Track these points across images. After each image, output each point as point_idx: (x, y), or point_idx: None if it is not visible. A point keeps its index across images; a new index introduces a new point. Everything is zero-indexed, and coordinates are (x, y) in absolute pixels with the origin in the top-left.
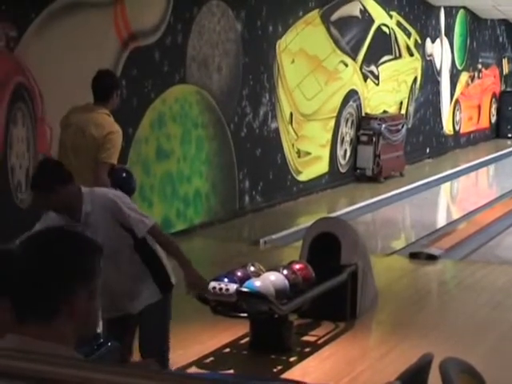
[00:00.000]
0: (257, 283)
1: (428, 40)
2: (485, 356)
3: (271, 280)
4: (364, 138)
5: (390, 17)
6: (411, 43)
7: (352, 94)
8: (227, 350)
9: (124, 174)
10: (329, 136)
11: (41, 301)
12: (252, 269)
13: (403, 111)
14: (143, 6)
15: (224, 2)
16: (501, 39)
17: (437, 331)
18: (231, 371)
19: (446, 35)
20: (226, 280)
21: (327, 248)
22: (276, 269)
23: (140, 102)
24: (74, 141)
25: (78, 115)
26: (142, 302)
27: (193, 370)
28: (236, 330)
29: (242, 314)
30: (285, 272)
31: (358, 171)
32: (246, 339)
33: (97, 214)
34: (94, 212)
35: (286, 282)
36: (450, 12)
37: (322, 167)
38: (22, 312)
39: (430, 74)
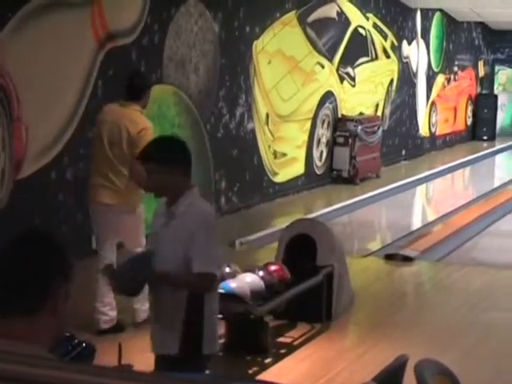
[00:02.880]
0: (232, 284)
1: (404, 42)
2: (460, 357)
3: (247, 281)
4: (340, 140)
5: (367, 19)
6: (388, 45)
7: (328, 96)
8: None
9: None
10: (305, 137)
11: (26, 296)
12: (228, 270)
13: (379, 113)
14: (120, 6)
15: (201, 3)
16: (477, 42)
17: (412, 333)
18: (206, 372)
19: (422, 37)
20: None
21: (303, 249)
22: (252, 270)
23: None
24: (109, 136)
25: (112, 112)
26: None
27: None
28: None
29: (218, 316)
30: (260, 273)
31: (335, 173)
32: (222, 340)
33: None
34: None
35: (262, 283)
36: (427, 14)
37: (298, 168)
38: (4, 308)
39: (406, 76)
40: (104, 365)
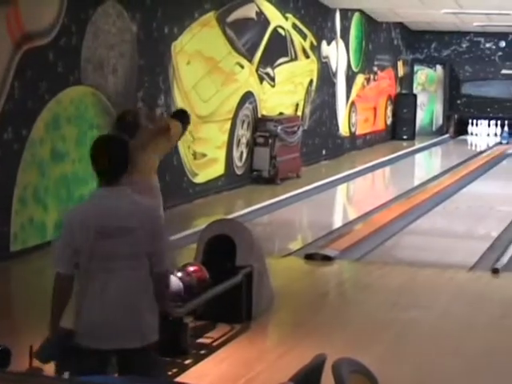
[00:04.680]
0: None
1: (324, 42)
2: (380, 355)
3: None
4: (260, 140)
5: (286, 19)
6: (307, 45)
7: (248, 96)
8: None
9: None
10: (225, 138)
11: None
12: None
13: (299, 113)
14: (37, 7)
15: (119, 4)
16: (396, 42)
17: (333, 332)
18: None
19: (341, 38)
20: None
21: (222, 250)
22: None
23: (34, 104)
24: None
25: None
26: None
27: None
28: None
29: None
30: (179, 274)
31: (255, 173)
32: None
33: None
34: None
35: (181, 284)
36: (346, 15)
37: (218, 169)
38: None
39: (325, 76)
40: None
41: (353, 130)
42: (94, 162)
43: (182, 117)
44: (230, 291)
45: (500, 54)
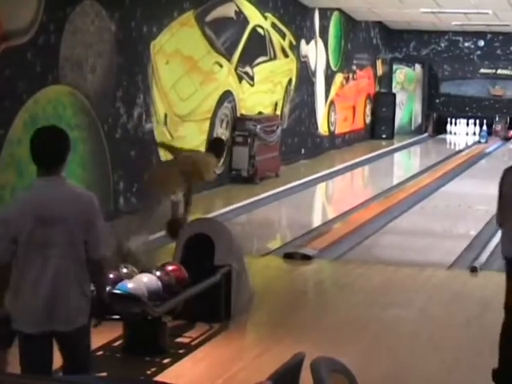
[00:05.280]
0: (129, 285)
1: (303, 41)
2: (359, 354)
3: (144, 281)
4: (239, 139)
5: (265, 18)
6: (286, 44)
7: (227, 95)
8: (100, 352)
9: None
10: (204, 137)
11: None
12: (124, 270)
13: (278, 112)
14: (15, 5)
15: (98, 2)
16: (375, 41)
17: (312, 331)
18: (104, 374)
19: (320, 37)
20: None
21: (201, 249)
22: (149, 270)
23: (12, 103)
24: None
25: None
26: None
27: None
28: (109, 333)
29: (115, 317)
30: (158, 273)
31: (234, 172)
32: (120, 342)
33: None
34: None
35: (159, 283)
36: (325, 14)
37: None
38: None
39: (304, 75)
40: None
41: (332, 129)
42: (32, 153)
43: (218, 146)
44: (208, 290)
45: (478, 53)
